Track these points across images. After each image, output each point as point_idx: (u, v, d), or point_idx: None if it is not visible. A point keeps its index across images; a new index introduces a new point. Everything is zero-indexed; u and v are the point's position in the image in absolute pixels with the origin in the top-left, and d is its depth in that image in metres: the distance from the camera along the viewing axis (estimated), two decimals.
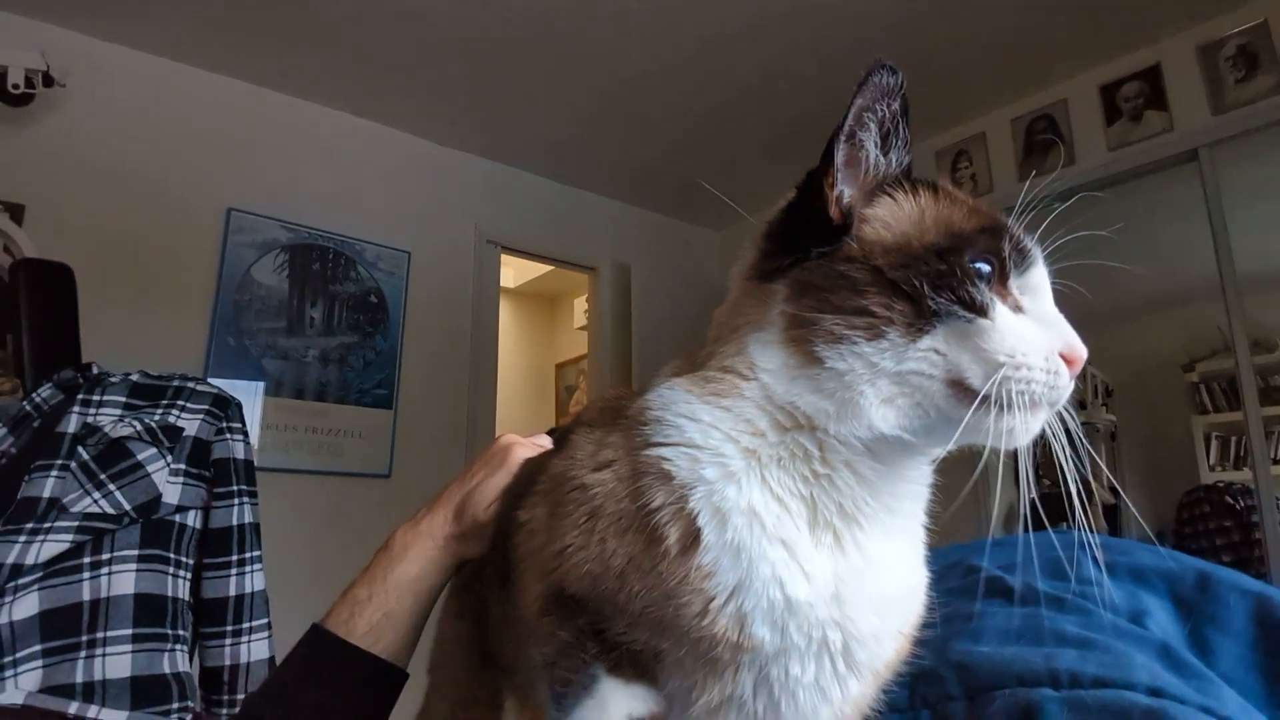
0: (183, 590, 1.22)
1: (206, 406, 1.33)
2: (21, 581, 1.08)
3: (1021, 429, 0.43)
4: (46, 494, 1.15)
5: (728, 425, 0.46)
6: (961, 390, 0.42)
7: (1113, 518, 3.94)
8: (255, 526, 1.33)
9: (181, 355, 2.97)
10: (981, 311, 0.43)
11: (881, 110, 0.47)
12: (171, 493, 1.23)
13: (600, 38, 3.02)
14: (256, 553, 1.32)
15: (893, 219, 0.47)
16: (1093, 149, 3.14)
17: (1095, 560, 0.60)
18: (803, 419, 0.45)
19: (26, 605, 1.07)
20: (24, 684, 1.03)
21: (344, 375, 3.37)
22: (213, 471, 1.30)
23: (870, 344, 0.43)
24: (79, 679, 1.07)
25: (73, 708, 1.02)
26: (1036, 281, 0.47)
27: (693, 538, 0.43)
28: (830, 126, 0.47)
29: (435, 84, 3.35)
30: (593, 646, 0.46)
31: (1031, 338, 0.43)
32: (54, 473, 1.17)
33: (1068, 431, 0.45)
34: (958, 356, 0.42)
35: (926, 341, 0.42)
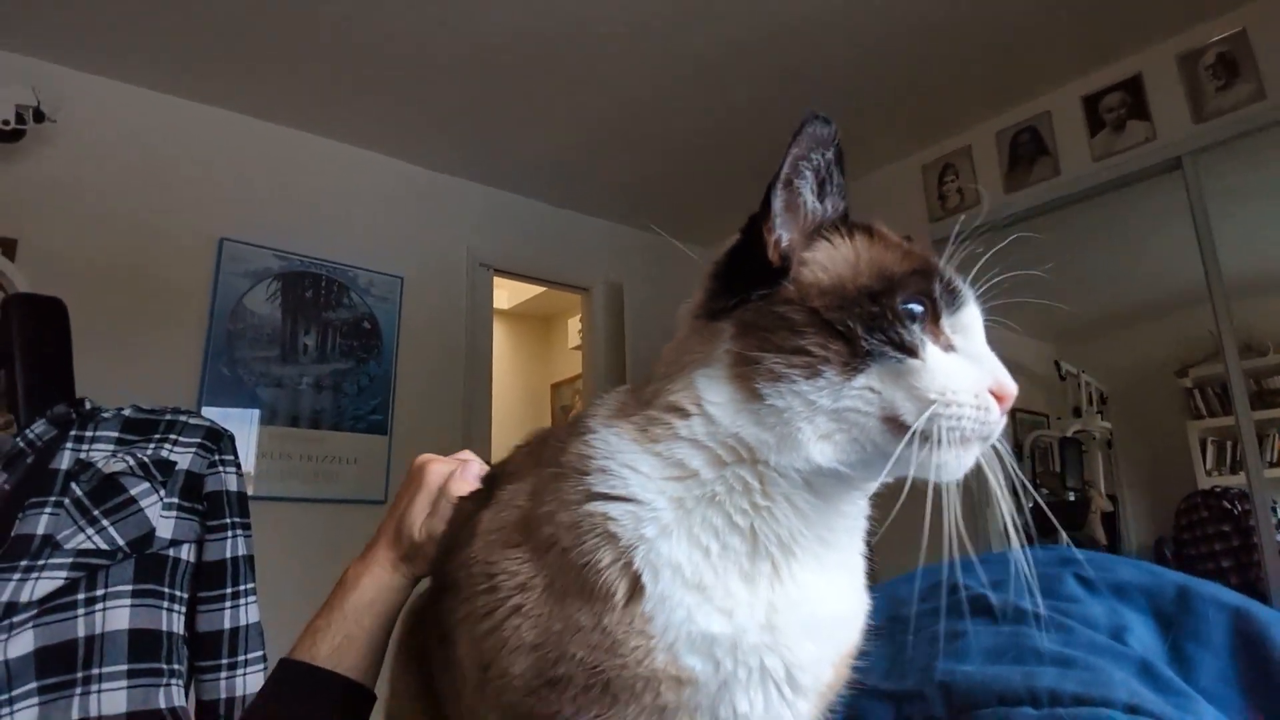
0: (178, 624, 1.21)
1: (199, 440, 1.33)
2: (16, 619, 1.08)
3: (954, 463, 0.45)
4: (40, 531, 1.15)
5: (659, 475, 0.47)
6: (896, 426, 0.44)
7: (1111, 525, 3.94)
8: (249, 559, 1.33)
9: (175, 386, 2.97)
10: (912, 352, 0.45)
11: (816, 159, 0.49)
12: (165, 527, 1.23)
13: (590, 61, 3.05)
14: (250, 585, 1.32)
15: (829, 262, 0.49)
16: (1077, 160, 3.17)
17: (1078, 577, 0.61)
18: (745, 451, 0.47)
19: (22, 643, 1.07)
20: None
21: (338, 401, 3.37)
22: (206, 505, 1.30)
23: (808, 382, 0.44)
24: (75, 716, 1.07)
25: None
26: (968, 321, 0.49)
27: (636, 590, 0.45)
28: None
29: (425, 109, 3.37)
30: None
31: (961, 375, 0.45)
32: (48, 509, 1.17)
33: (1003, 465, 0.47)
34: (892, 394, 0.44)
35: (861, 380, 0.44)
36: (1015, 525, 0.46)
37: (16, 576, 1.10)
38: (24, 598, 1.09)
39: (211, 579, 1.28)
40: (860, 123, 3.39)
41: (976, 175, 3.50)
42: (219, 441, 1.35)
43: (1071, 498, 3.85)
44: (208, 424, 1.37)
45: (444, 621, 0.57)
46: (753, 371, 0.46)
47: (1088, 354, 4.14)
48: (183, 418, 1.37)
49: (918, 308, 0.46)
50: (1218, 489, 3.51)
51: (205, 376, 3.07)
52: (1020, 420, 4.00)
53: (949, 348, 0.47)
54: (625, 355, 4.22)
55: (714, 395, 0.47)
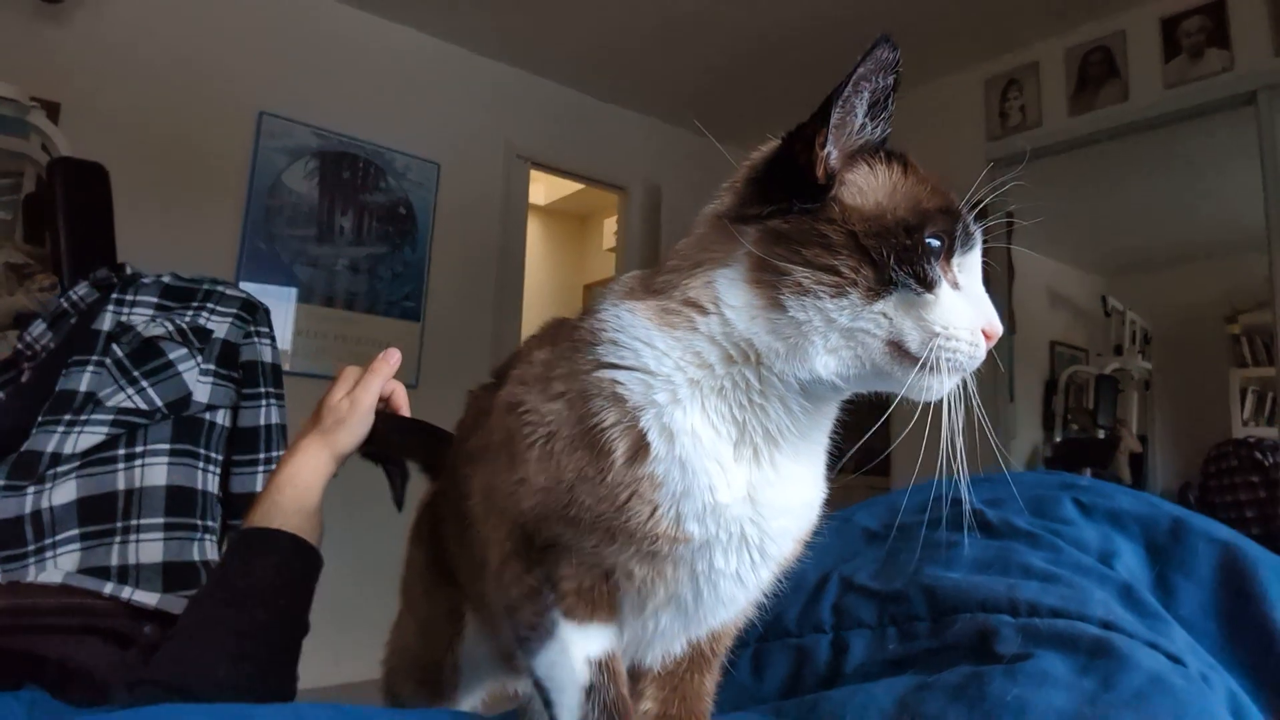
0: (212, 484, 1.28)
1: (235, 310, 1.36)
2: (60, 470, 1.14)
3: (938, 387, 0.49)
4: (83, 388, 1.20)
5: (678, 355, 0.50)
6: (898, 350, 0.48)
7: (1139, 467, 3.92)
8: (282, 427, 1.39)
9: (214, 258, 3.02)
10: (929, 287, 0.48)
11: (877, 81, 0.50)
12: (201, 391, 1.28)
13: None
14: (282, 451, 1.37)
15: (868, 187, 0.50)
16: (1148, 86, 3.01)
17: (1076, 502, 0.62)
18: (752, 354, 0.50)
19: (65, 492, 1.14)
20: (63, 564, 1.10)
21: (373, 286, 3.41)
22: (241, 373, 1.35)
23: (833, 300, 0.47)
24: (114, 562, 1.14)
25: (107, 588, 1.09)
26: (973, 262, 0.52)
27: (640, 452, 0.49)
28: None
29: None
30: (550, 594, 0.53)
31: (963, 313, 0.48)
32: (90, 368, 1.22)
33: (964, 392, 0.51)
34: (901, 322, 0.48)
35: (879, 305, 0.47)
36: (956, 451, 0.49)
37: (60, 429, 1.16)
38: (67, 450, 1.15)
39: (245, 444, 1.34)
40: (923, 29, 3.22)
41: (1041, 94, 3.34)
42: (254, 313, 1.39)
43: (1101, 435, 3.83)
44: (244, 295, 1.40)
45: (459, 486, 0.63)
46: (778, 281, 0.48)
47: (1136, 291, 4.03)
48: (220, 288, 1.40)
49: (937, 243, 0.49)
50: (1251, 439, 3.46)
51: (243, 250, 3.12)
52: (1058, 354, 3.94)
53: (955, 285, 0.50)
54: (660, 259, 4.19)
55: (732, 298, 0.50)
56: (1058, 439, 3.82)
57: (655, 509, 0.49)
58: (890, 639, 0.56)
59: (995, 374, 3.44)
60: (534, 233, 5.35)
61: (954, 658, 0.51)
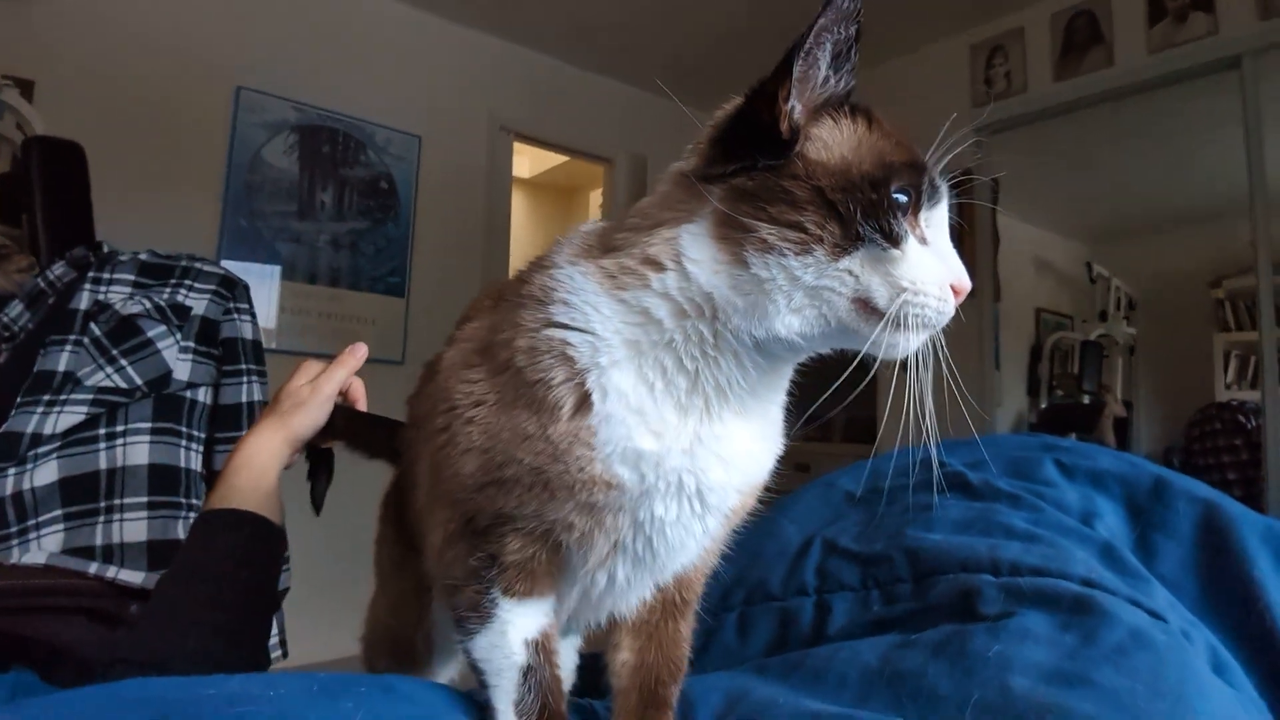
0: (195, 462, 1.27)
1: (213, 287, 1.35)
2: (41, 450, 1.13)
3: (904, 345, 0.48)
4: (61, 367, 1.19)
5: (619, 318, 0.51)
6: (865, 308, 0.48)
7: (1123, 431, 3.96)
8: (264, 405, 1.37)
9: (194, 235, 2.98)
10: (896, 242, 0.47)
11: (839, 32, 0.49)
12: (182, 369, 1.26)
13: None
14: None
15: (833, 141, 0.49)
16: (1132, 50, 3.00)
17: (1058, 463, 0.62)
18: (708, 309, 0.50)
19: (47, 472, 1.13)
20: (46, 545, 1.09)
21: (356, 261, 3.38)
22: (221, 350, 1.33)
23: (797, 258, 0.47)
24: (98, 542, 1.13)
25: (93, 568, 1.09)
26: (939, 217, 0.51)
27: (583, 407, 0.50)
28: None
29: None
30: (491, 572, 0.54)
31: (931, 269, 0.48)
32: (68, 347, 1.21)
33: (935, 352, 0.50)
34: (869, 279, 0.47)
35: (845, 262, 0.47)
36: (926, 412, 0.49)
37: (40, 410, 1.15)
38: (47, 430, 1.14)
39: (227, 421, 1.33)
40: None
41: (1027, 59, 3.32)
42: (233, 289, 1.37)
43: (1086, 401, 3.86)
44: (222, 272, 1.38)
45: (409, 460, 0.66)
46: (743, 238, 0.48)
47: (1121, 257, 4.03)
48: (198, 264, 1.38)
49: (904, 198, 0.48)
50: (1234, 402, 3.48)
51: (224, 228, 3.07)
52: (1044, 321, 3.96)
53: (922, 240, 0.49)
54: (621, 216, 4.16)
55: (695, 253, 0.49)
56: (1043, 405, 3.85)
57: (591, 458, 0.50)
58: (873, 601, 0.57)
59: (981, 342, 3.46)
60: (519, 207, 5.30)
61: (937, 618, 0.51)
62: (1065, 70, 3.19)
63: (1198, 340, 3.71)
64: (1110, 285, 3.98)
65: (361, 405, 1.02)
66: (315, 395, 0.91)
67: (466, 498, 0.54)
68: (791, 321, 0.48)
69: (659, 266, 0.50)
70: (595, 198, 5.35)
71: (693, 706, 0.59)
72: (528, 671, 0.53)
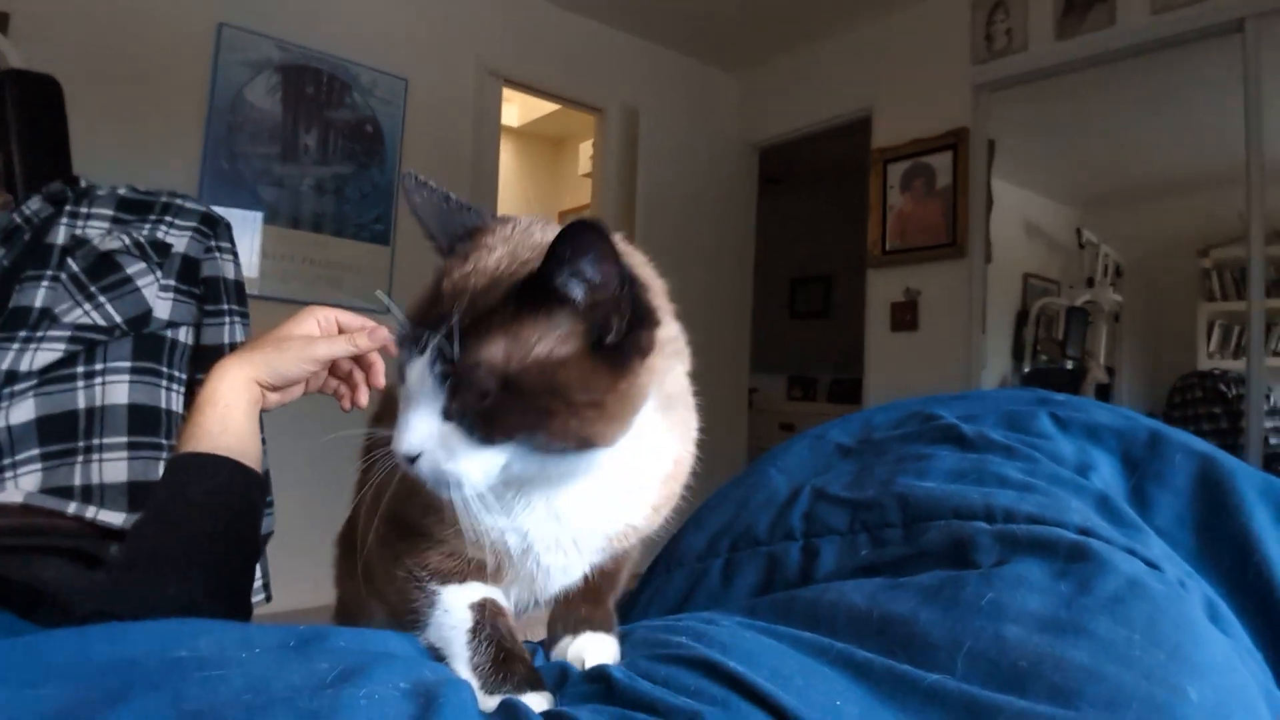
0: (176, 403, 1.25)
1: (194, 224, 1.31)
2: (17, 388, 1.11)
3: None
4: (38, 304, 1.16)
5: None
6: None
7: (1105, 397, 4.01)
8: None
9: (175, 175, 2.90)
10: None
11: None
12: (162, 308, 1.24)
13: None
14: None
15: None
16: (1135, 10, 2.96)
17: (1053, 416, 0.62)
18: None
19: (23, 410, 1.11)
20: (24, 484, 1.08)
21: (340, 207, 3.31)
22: (203, 289, 1.31)
23: None
24: (77, 482, 1.12)
25: (71, 508, 1.07)
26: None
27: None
28: None
29: None
30: (424, 574, 0.58)
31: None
32: (44, 283, 1.18)
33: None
34: None
35: None
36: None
37: (15, 347, 1.12)
38: (23, 367, 1.11)
39: (209, 362, 1.29)
40: None
41: (1029, 17, 3.27)
42: (215, 227, 1.34)
43: (1069, 366, 3.90)
44: (203, 209, 1.35)
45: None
46: None
47: (1111, 223, 4.03)
48: (178, 200, 1.34)
49: None
50: (1216, 371, 3.53)
51: (205, 169, 3.00)
52: (1030, 286, 3.97)
53: None
54: (636, 186, 4.11)
55: None
56: (1026, 369, 3.88)
57: (475, 528, 0.53)
58: (862, 545, 0.56)
59: (970, 305, 3.47)
60: (507, 157, 5.20)
61: (928, 564, 0.51)
62: (1067, 29, 3.14)
63: (1183, 309, 3.74)
64: (1099, 252, 3.98)
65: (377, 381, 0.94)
66: (301, 349, 0.83)
67: (394, 505, 0.58)
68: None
69: None
70: (585, 149, 5.25)
71: (646, 611, 0.61)
72: (476, 628, 0.54)
